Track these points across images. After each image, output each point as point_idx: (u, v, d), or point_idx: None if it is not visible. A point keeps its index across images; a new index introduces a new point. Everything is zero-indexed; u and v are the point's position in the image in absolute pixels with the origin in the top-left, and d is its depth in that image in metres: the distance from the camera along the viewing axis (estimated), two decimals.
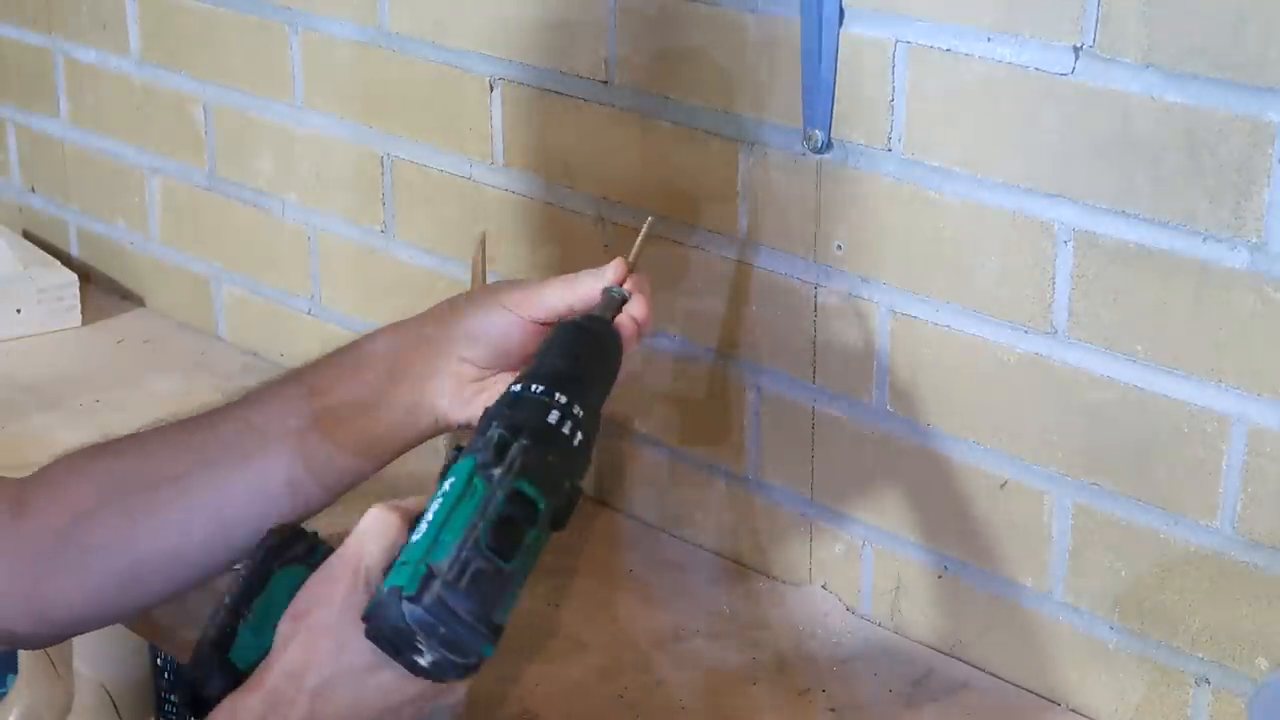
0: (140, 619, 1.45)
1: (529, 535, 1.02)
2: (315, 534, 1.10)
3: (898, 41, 1.30)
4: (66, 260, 2.12)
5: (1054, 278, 1.26)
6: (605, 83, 1.51)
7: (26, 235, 2.20)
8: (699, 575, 1.52)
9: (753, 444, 1.49)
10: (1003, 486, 1.33)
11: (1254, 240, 1.15)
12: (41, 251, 2.12)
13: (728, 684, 1.37)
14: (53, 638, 1.23)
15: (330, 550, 1.09)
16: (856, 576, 1.45)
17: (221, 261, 1.97)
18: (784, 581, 1.50)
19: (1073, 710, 1.33)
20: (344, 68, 1.75)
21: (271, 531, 1.10)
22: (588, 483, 1.63)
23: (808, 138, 1.36)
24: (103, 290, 2.12)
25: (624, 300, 1.17)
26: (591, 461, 1.11)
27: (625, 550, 1.56)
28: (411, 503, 1.04)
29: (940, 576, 1.39)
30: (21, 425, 1.80)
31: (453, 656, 0.99)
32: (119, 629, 1.54)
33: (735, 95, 1.42)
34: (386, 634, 1.00)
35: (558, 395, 1.08)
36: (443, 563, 0.99)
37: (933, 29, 1.28)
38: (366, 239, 1.79)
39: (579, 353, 1.12)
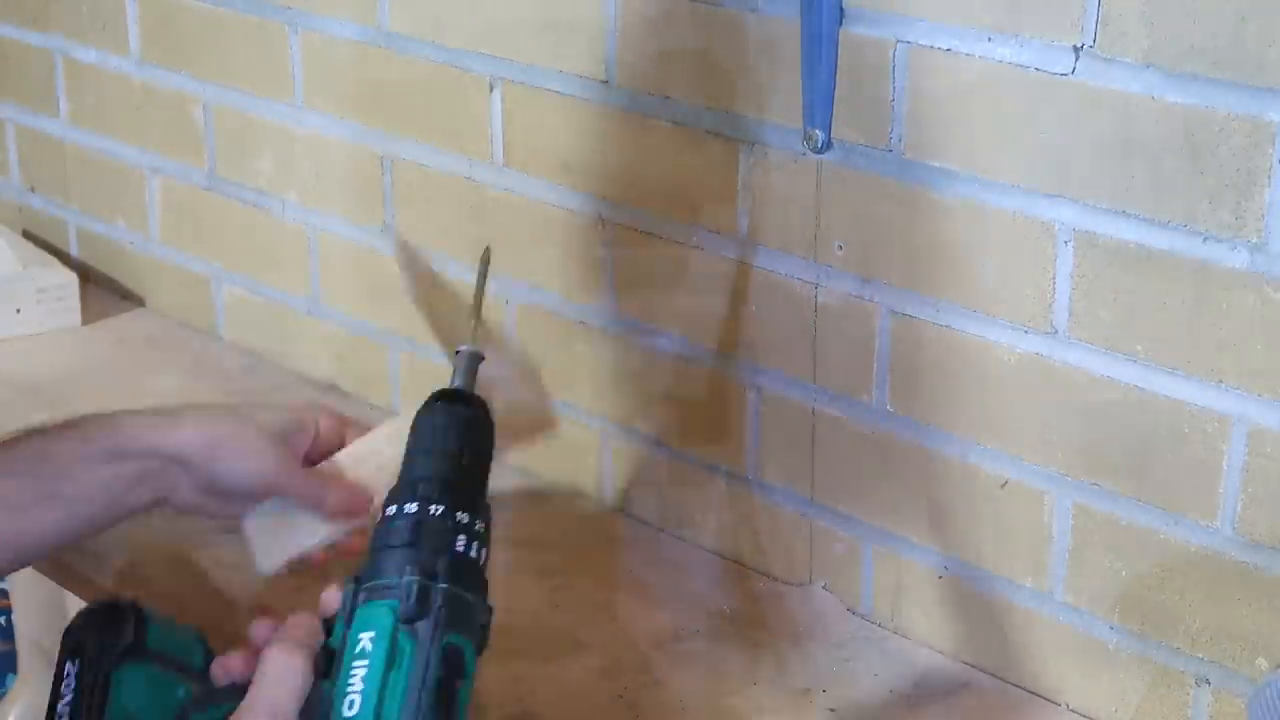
0: None
1: (464, 688, 0.97)
2: (135, 604, 1.08)
3: (898, 41, 1.30)
4: (66, 260, 2.12)
5: (1054, 278, 1.26)
6: (605, 83, 1.51)
7: (26, 235, 2.20)
8: (699, 575, 1.52)
9: (753, 444, 1.49)
10: (1003, 486, 1.33)
11: (1254, 240, 1.15)
12: (41, 251, 2.12)
13: (728, 684, 1.37)
14: None
15: (158, 618, 1.08)
16: (856, 576, 1.45)
17: (221, 261, 1.97)
18: (784, 581, 1.50)
19: (1073, 710, 1.33)
20: (344, 68, 1.75)
21: (87, 613, 1.07)
22: (590, 483, 1.64)
23: (808, 138, 1.36)
24: (103, 290, 2.12)
25: (479, 358, 1.07)
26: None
27: (625, 550, 1.56)
28: (307, 635, 0.99)
29: (940, 577, 1.39)
30: (21, 425, 1.79)
31: None
32: None
33: (735, 95, 1.42)
34: None
35: (459, 515, 1.00)
36: None
37: (933, 29, 1.28)
38: (366, 239, 1.79)
39: (460, 448, 1.03)
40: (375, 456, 1.26)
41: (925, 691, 1.36)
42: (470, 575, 0.99)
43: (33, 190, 2.20)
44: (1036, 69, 1.23)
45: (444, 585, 0.97)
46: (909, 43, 1.30)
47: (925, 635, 1.42)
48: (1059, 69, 1.22)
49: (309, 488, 1.24)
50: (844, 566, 1.46)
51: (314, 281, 1.86)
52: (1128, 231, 1.21)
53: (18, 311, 2.00)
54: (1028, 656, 1.35)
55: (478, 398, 1.05)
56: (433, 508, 1.00)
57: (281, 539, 1.27)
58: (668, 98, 1.47)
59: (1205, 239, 1.18)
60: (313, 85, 1.79)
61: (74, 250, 2.16)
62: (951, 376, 1.35)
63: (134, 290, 2.10)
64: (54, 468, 1.22)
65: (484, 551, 1.01)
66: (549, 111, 1.57)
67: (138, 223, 2.06)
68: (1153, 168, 1.19)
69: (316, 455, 1.27)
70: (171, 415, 1.26)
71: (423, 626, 0.96)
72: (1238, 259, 1.16)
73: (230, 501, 1.26)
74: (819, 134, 1.35)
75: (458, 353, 1.07)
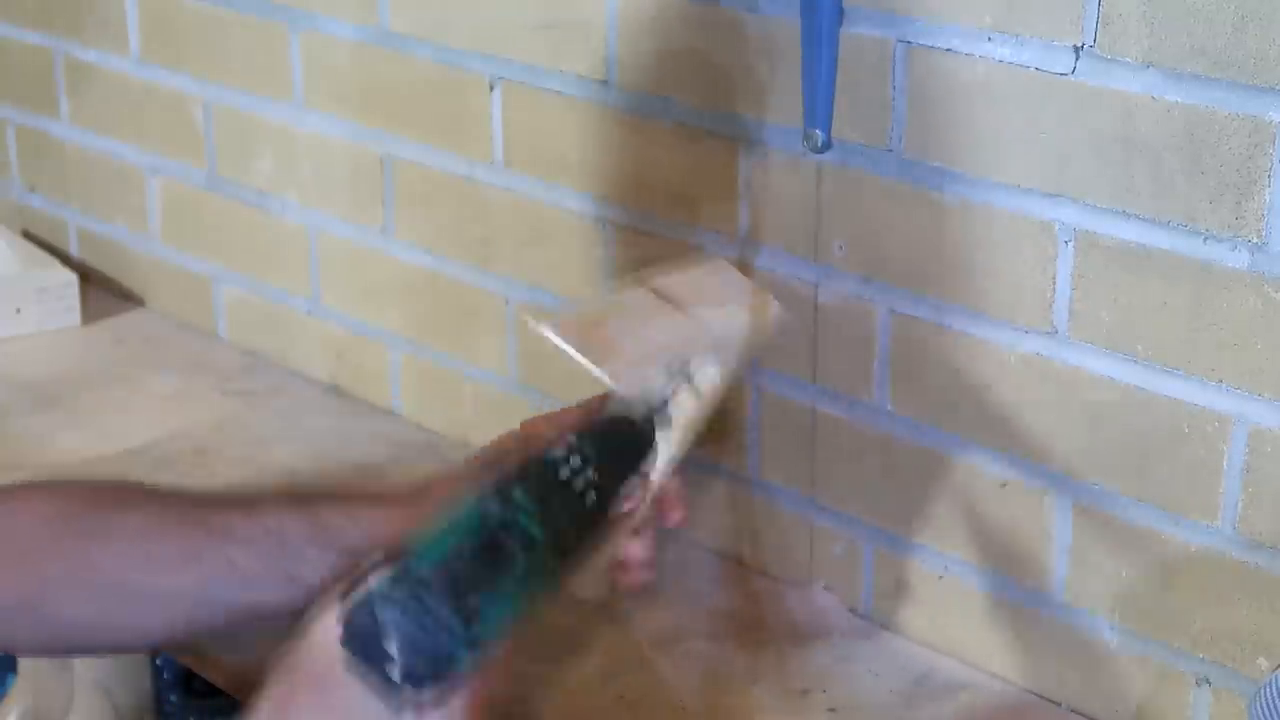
0: None
1: (519, 558, 0.99)
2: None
3: (898, 41, 1.30)
4: (66, 260, 2.12)
5: (1054, 278, 1.26)
6: (605, 83, 1.51)
7: (26, 235, 2.20)
8: (699, 575, 1.52)
9: (753, 444, 1.49)
10: (1003, 486, 1.33)
11: (1254, 240, 1.15)
12: (41, 251, 2.12)
13: (728, 684, 1.37)
14: None
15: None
16: (856, 576, 1.45)
17: (221, 261, 1.97)
18: (784, 581, 1.50)
19: (1073, 710, 1.33)
20: (344, 68, 1.75)
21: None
22: None
23: (808, 138, 1.36)
24: (103, 290, 2.12)
25: (666, 403, 1.14)
26: (606, 536, 1.07)
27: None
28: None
29: (940, 577, 1.39)
30: (21, 425, 1.80)
31: (423, 658, 0.94)
32: None
33: (735, 95, 1.42)
34: (359, 637, 0.95)
35: (573, 458, 1.05)
36: (423, 568, 0.95)
37: (933, 29, 1.28)
38: (366, 239, 1.79)
39: (608, 437, 1.10)
40: None
41: (925, 691, 1.37)
42: (565, 494, 1.04)
43: (33, 190, 2.20)
44: (1036, 69, 1.23)
45: (530, 484, 1.01)
46: (909, 43, 1.30)
47: (925, 635, 1.42)
48: (1059, 69, 1.22)
49: None
50: (844, 566, 1.46)
51: (314, 281, 1.86)
52: (1128, 231, 1.21)
53: (18, 311, 2.00)
54: (1028, 656, 1.35)
55: (650, 427, 1.13)
56: (553, 450, 1.05)
57: None
58: (668, 98, 1.47)
59: (1205, 239, 1.18)
60: (313, 85, 1.79)
61: (74, 250, 2.16)
62: (951, 376, 1.35)
63: (134, 290, 2.10)
64: (291, 549, 1.18)
65: (592, 496, 1.05)
66: (549, 111, 1.57)
67: (138, 223, 2.06)
68: (1153, 167, 1.19)
69: None
70: (405, 508, 1.20)
71: (495, 505, 1.00)
72: (1238, 259, 1.16)
73: None
74: (819, 134, 1.35)
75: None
